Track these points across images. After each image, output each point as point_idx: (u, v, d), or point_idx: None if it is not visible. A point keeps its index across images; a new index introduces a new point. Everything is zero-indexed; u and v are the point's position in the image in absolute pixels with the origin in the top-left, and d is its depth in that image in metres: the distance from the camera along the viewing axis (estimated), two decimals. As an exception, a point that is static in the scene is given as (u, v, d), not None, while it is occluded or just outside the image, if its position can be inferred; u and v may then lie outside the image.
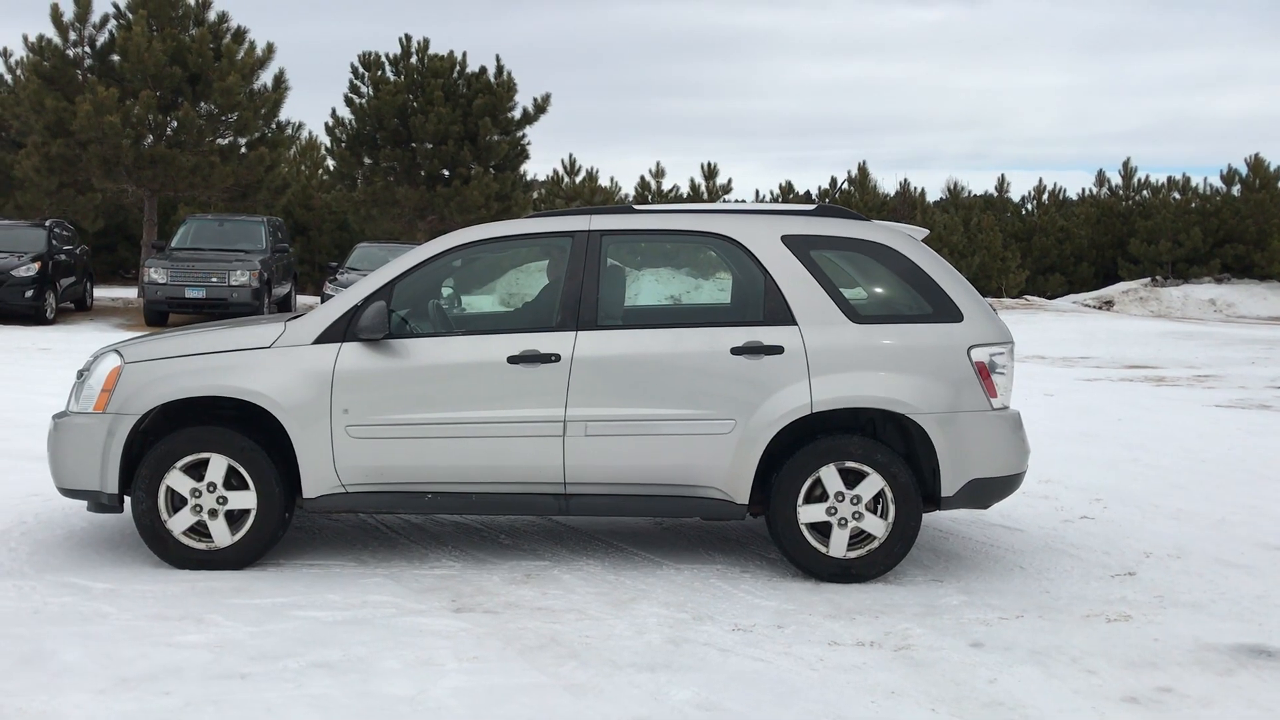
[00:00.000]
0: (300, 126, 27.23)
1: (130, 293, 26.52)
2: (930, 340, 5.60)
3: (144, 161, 22.72)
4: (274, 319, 6.04)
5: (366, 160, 28.22)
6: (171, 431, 5.60)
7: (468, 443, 5.53)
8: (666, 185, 37.22)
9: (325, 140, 29.86)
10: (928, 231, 6.27)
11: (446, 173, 27.69)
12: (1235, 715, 4.12)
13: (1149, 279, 35.18)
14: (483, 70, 28.13)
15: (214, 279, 19.27)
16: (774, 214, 5.89)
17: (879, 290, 5.92)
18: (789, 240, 5.72)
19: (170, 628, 4.74)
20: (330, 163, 31.15)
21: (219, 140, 24.20)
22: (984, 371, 5.59)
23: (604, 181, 38.41)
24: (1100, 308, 31.77)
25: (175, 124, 23.27)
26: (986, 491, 5.66)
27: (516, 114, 28.15)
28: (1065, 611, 5.22)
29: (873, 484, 5.53)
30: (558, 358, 5.53)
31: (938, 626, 4.97)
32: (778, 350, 5.53)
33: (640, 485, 5.59)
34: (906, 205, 37.49)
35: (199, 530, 5.59)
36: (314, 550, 6.01)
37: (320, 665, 4.37)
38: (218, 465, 5.53)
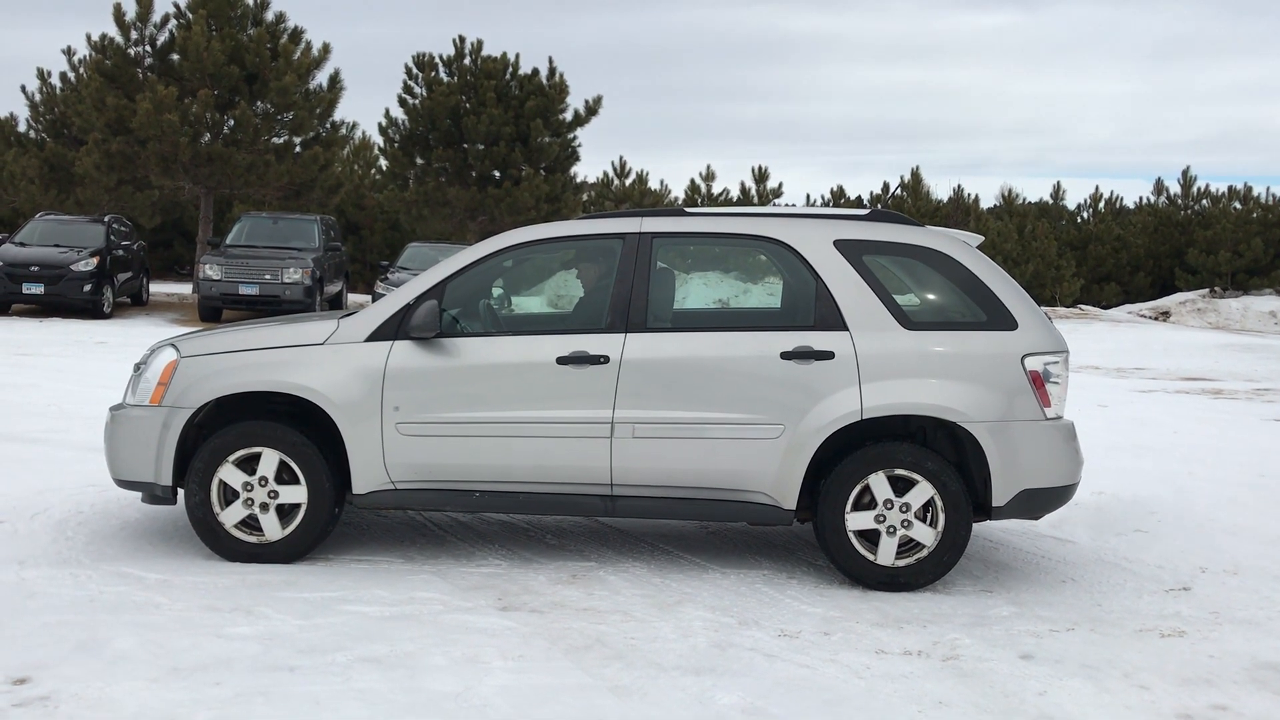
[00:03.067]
0: (354, 126, 27.48)
1: (185, 288, 26.91)
2: (984, 348, 5.53)
3: (201, 159, 23.08)
4: (327, 316, 6.10)
5: (419, 160, 28.46)
6: (225, 426, 5.68)
7: (516, 442, 5.55)
8: (716, 189, 37.21)
9: (378, 140, 30.19)
10: (982, 238, 6.20)
11: (497, 174, 27.85)
12: (1293, 736, 4.04)
13: (1207, 290, 34.55)
14: (535, 72, 28.28)
15: (267, 276, 19.51)
16: (827, 218, 5.85)
17: (932, 297, 5.86)
18: (842, 245, 5.68)
19: (221, 619, 4.80)
20: (383, 163, 31.51)
21: (274, 139, 24.53)
22: (1038, 380, 5.51)
23: (654, 184, 38.46)
24: (1156, 318, 31.24)
25: (232, 123, 23.64)
26: (1039, 502, 5.59)
27: (568, 116, 28.29)
28: (1117, 625, 5.14)
29: (923, 492, 5.48)
30: (606, 359, 5.53)
31: (987, 637, 4.91)
32: (828, 356, 5.50)
33: (687, 488, 5.58)
34: (960, 211, 37.14)
35: (250, 524, 5.65)
36: (362, 546, 6.06)
37: (368, 660, 4.40)
38: (270, 460, 5.60)
